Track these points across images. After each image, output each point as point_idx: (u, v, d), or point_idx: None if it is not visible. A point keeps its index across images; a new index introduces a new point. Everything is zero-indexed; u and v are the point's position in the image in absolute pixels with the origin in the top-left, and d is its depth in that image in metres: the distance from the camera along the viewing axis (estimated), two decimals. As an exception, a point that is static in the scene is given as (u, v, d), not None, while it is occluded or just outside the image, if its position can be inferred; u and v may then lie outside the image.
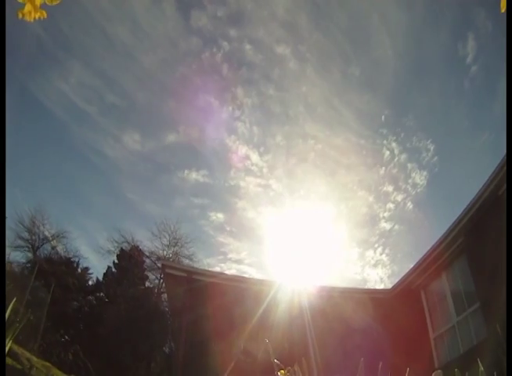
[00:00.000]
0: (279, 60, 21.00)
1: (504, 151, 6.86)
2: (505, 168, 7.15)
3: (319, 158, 24.28)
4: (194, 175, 30.10)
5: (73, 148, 30.88)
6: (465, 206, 8.54)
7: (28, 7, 1.11)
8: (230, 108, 24.16)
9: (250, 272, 32.88)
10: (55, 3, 1.14)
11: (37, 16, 1.14)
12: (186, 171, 30.51)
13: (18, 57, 21.16)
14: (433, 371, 2.20)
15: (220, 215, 32.02)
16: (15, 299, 2.52)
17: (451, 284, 9.43)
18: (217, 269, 29.88)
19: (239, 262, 34.52)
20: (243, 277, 13.63)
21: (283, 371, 2.98)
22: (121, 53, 21.89)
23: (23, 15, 1.12)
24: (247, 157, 26.18)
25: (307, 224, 23.86)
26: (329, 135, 23.53)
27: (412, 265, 10.54)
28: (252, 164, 26.60)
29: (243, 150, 25.62)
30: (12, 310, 2.30)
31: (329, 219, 26.41)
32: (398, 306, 10.54)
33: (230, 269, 29.97)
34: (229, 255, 39.34)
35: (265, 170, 26.92)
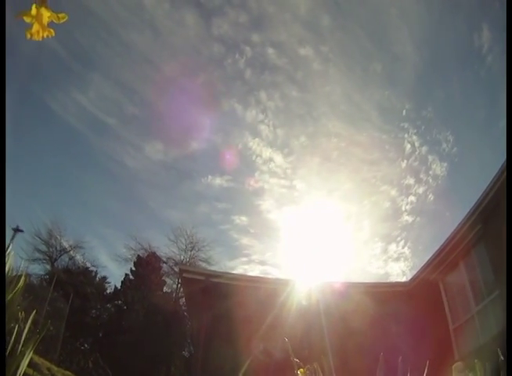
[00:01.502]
0: (302, 62, 21.21)
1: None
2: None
3: (343, 156, 24.60)
4: (218, 181, 30.65)
5: (93, 159, 32.05)
6: (481, 192, 8.41)
7: (36, 27, 1.12)
8: (254, 112, 24.49)
9: (274, 272, 33.17)
10: (62, 21, 1.14)
11: (45, 35, 1.14)
12: (210, 177, 30.86)
13: (35, 72, 21.65)
14: (453, 363, 2.17)
15: (244, 218, 32.62)
16: (35, 311, 2.56)
17: (469, 273, 9.28)
18: (240, 271, 30.45)
19: (263, 263, 34.90)
20: (260, 277, 13.65)
21: (302, 370, 2.97)
22: (141, 62, 22.64)
23: (32, 35, 1.13)
24: (271, 159, 26.65)
25: (330, 222, 24.87)
26: (353, 132, 23.75)
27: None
28: (276, 166, 27.03)
29: (267, 152, 26.02)
30: (32, 322, 2.34)
31: (352, 216, 27.47)
32: (417, 298, 10.41)
33: (254, 271, 30.58)
34: (253, 257, 39.76)
35: (288, 171, 27.25)
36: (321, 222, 25.08)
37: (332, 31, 19.45)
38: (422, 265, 10.83)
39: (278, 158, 26.55)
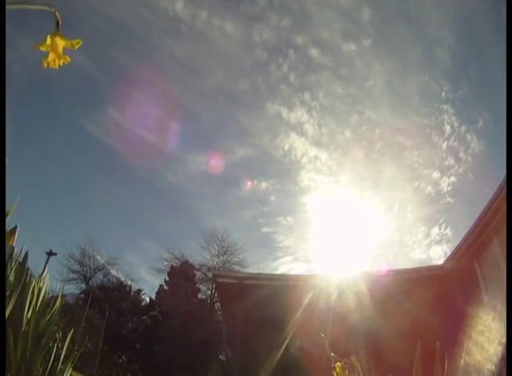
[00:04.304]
0: (345, 58, 21.52)
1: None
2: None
3: (387, 146, 24.78)
4: (264, 185, 31.04)
5: (133, 175, 32.83)
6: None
7: (52, 55, 1.15)
8: (299, 113, 24.73)
9: (319, 269, 33.10)
10: (77, 47, 1.17)
11: (61, 63, 1.17)
12: (255, 182, 31.21)
13: (71, 96, 22.45)
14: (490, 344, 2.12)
15: (289, 218, 32.61)
16: (72, 330, 2.64)
17: (504, 249, 9.01)
18: (284, 270, 30.82)
19: (308, 260, 34.89)
20: (293, 275, 13.63)
21: (339, 364, 2.95)
22: (182, 74, 23.36)
23: (48, 64, 1.15)
24: (317, 158, 26.95)
25: (375, 213, 26.08)
26: (395, 120, 24.00)
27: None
28: (322, 164, 27.26)
29: (312, 151, 26.39)
30: (70, 340, 2.40)
31: (396, 203, 27.94)
32: (453, 280, 10.16)
33: (299, 269, 30.87)
34: (298, 255, 39.93)
35: (334, 167, 27.46)
36: (366, 214, 26.29)
37: (372, 23, 19.69)
38: (456, 245, 10.59)
39: (323, 156, 26.98)
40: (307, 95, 24.22)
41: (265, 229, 36.86)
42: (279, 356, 9.27)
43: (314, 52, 21.93)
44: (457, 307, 9.39)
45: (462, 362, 2.06)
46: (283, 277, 12.63)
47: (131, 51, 21.42)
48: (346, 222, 25.97)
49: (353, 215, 26.00)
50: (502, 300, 8.92)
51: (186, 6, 19.99)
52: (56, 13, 1.15)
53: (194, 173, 31.47)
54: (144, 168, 31.16)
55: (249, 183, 28.97)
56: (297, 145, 26.38)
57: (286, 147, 27.24)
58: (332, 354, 3.00)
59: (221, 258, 28.51)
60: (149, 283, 37.64)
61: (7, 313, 1.69)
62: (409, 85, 22.06)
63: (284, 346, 9.57)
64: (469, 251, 9.96)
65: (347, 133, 25.59)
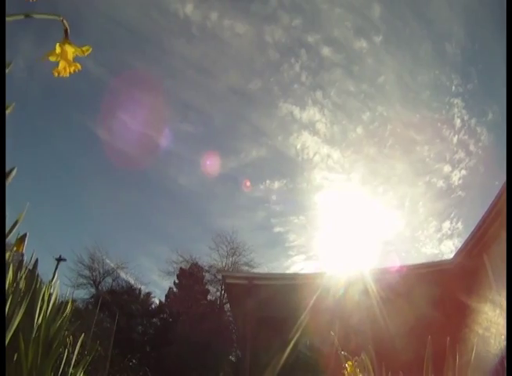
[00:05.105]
0: (357, 55, 21.76)
1: None
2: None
3: (398, 141, 24.95)
4: (276, 184, 31.14)
5: (145, 178, 32.88)
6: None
7: (62, 64, 1.14)
8: (311, 112, 24.95)
9: (331, 267, 33.11)
10: (87, 53, 1.16)
11: (72, 71, 1.16)
12: (268, 182, 31.39)
13: (81, 101, 22.60)
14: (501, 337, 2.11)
15: (302, 217, 32.77)
16: (83, 334, 2.66)
17: None
18: (296, 269, 30.83)
19: (321, 259, 34.89)
20: (302, 274, 13.58)
21: (350, 362, 2.94)
22: (193, 77, 23.54)
23: (59, 72, 1.14)
24: (329, 156, 27.16)
25: (387, 209, 26.23)
26: (407, 115, 24.14)
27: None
28: (334, 162, 27.43)
29: (324, 149, 26.57)
30: (80, 345, 2.43)
31: (407, 199, 28.07)
32: (462, 274, 10.07)
33: (311, 268, 30.66)
34: (311, 253, 39.92)
35: (346, 165, 27.59)
36: (378, 211, 26.54)
37: (383, 19, 19.92)
38: (465, 239, 10.51)
39: (335, 154, 27.13)
40: (319, 94, 24.42)
41: (277, 229, 36.82)
42: (289, 355, 9.27)
43: (326, 51, 22.15)
44: (467, 301, 9.32)
45: (473, 357, 2.03)
46: (292, 276, 12.63)
47: (141, 54, 21.60)
48: (358, 219, 26.23)
49: (365, 211, 26.27)
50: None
51: (197, 8, 20.24)
52: (64, 21, 1.14)
53: (205, 174, 31.47)
54: (155, 171, 31.41)
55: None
56: (309, 144, 26.59)
57: (298, 146, 27.43)
58: (342, 352, 2.99)
59: (230, 258, 28.64)
60: (161, 286, 37.84)
61: (17, 320, 1.70)
62: (420, 80, 22.27)
63: (295, 345, 9.56)
64: (478, 244, 9.88)
65: (359, 130, 25.72)
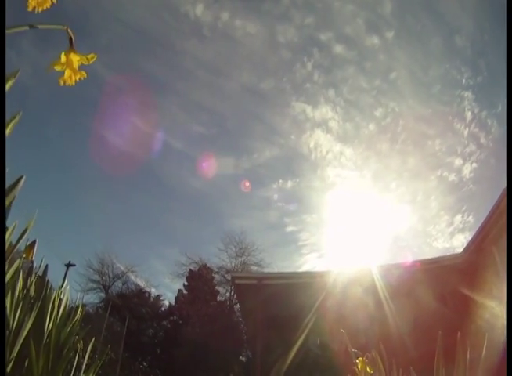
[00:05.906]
0: (369, 52, 21.79)
1: None
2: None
3: (410, 136, 24.88)
4: (289, 184, 31.31)
5: (157, 181, 33.19)
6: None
7: (68, 72, 1.15)
8: (323, 110, 25.02)
9: (344, 264, 33.03)
10: (92, 61, 1.17)
11: (77, 79, 1.16)
12: (281, 181, 31.51)
13: (91, 105, 22.75)
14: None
15: (315, 216, 32.69)
16: (93, 339, 2.68)
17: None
18: (308, 267, 30.90)
19: (333, 256, 34.82)
20: (311, 272, 13.54)
21: (361, 359, 2.93)
22: (205, 77, 23.75)
23: (65, 81, 1.15)
24: (342, 153, 27.33)
25: (400, 205, 26.61)
26: (418, 110, 24.15)
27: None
28: (347, 160, 27.54)
29: (337, 146, 26.74)
30: (91, 349, 2.45)
31: (420, 194, 28.57)
32: (473, 267, 9.99)
33: (323, 265, 30.92)
34: (323, 251, 39.96)
35: (359, 162, 27.70)
36: (391, 206, 26.81)
37: (394, 15, 20.04)
38: (474, 232, 10.42)
39: (348, 151, 27.22)
40: (331, 92, 24.56)
41: (290, 228, 36.77)
42: (300, 354, 9.25)
43: (338, 48, 22.25)
44: (476, 296, 9.25)
45: (483, 352, 2.02)
46: (301, 275, 12.59)
47: (152, 56, 21.67)
48: (371, 215, 26.37)
49: (378, 208, 26.35)
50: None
51: (207, 8, 20.41)
52: (69, 30, 1.16)
53: (219, 176, 31.43)
54: (167, 173, 31.72)
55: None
56: (322, 142, 26.61)
57: (311, 145, 27.43)
58: (353, 350, 2.98)
59: (239, 259, 28.61)
60: (171, 289, 37.91)
61: (28, 326, 1.72)
62: (431, 74, 22.30)
63: (305, 344, 9.54)
64: (487, 238, 9.79)
65: (371, 127, 25.72)
